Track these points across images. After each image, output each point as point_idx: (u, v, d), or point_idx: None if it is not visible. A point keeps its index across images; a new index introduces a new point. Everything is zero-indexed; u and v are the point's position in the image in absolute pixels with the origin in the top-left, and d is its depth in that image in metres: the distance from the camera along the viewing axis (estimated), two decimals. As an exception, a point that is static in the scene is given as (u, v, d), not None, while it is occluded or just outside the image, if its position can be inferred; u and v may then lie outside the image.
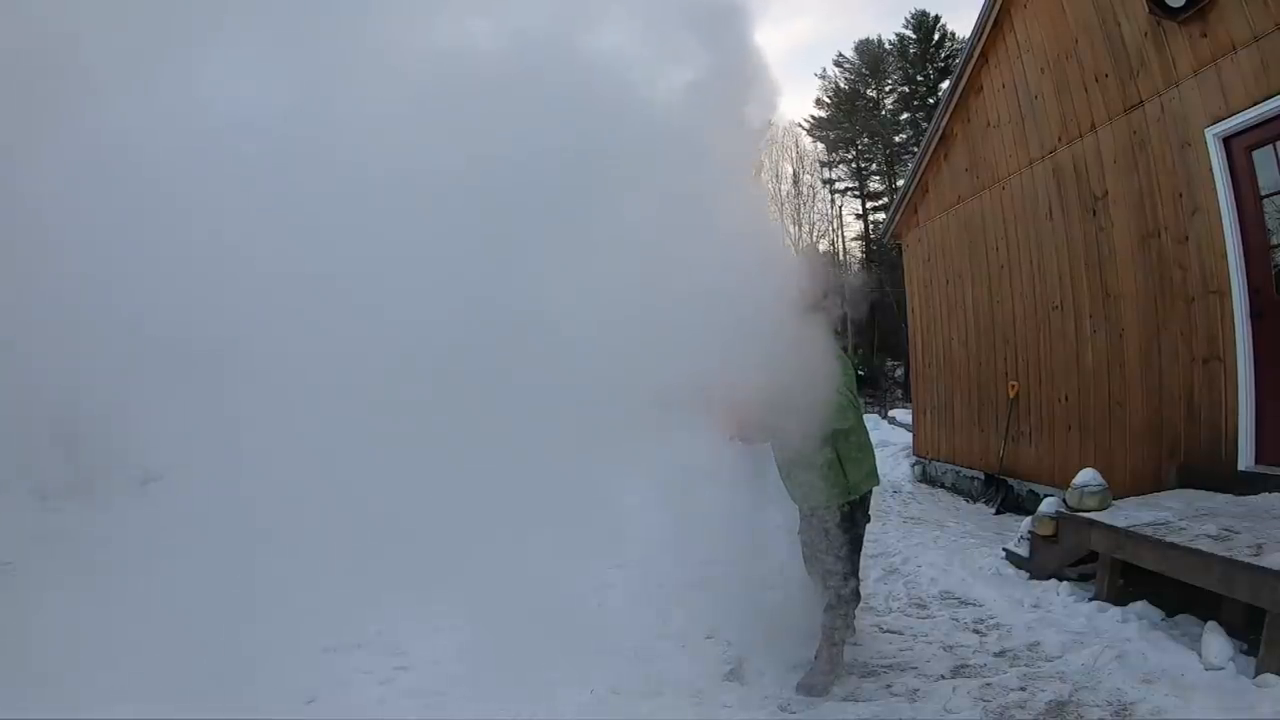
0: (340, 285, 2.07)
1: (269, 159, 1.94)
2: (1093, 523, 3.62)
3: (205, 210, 1.92)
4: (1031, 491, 5.93)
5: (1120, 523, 3.47)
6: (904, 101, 30.16)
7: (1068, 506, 3.89)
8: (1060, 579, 3.81)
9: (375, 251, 2.08)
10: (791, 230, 25.53)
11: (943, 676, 2.95)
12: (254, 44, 1.98)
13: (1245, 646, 2.75)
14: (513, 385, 2.27)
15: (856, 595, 3.06)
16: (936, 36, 29.28)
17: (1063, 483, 4.31)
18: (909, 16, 29.53)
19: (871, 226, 28.98)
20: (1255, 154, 4.05)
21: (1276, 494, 3.66)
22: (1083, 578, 3.77)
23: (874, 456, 3.11)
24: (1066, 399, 5.69)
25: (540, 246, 2.26)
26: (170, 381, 1.95)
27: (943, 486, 7.72)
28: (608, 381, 2.35)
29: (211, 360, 1.96)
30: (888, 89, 30.83)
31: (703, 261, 2.43)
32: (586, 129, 2.26)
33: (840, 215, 29.95)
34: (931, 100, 26.98)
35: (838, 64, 30.93)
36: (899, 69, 30.21)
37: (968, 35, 6.85)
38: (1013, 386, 6.40)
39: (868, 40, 30.69)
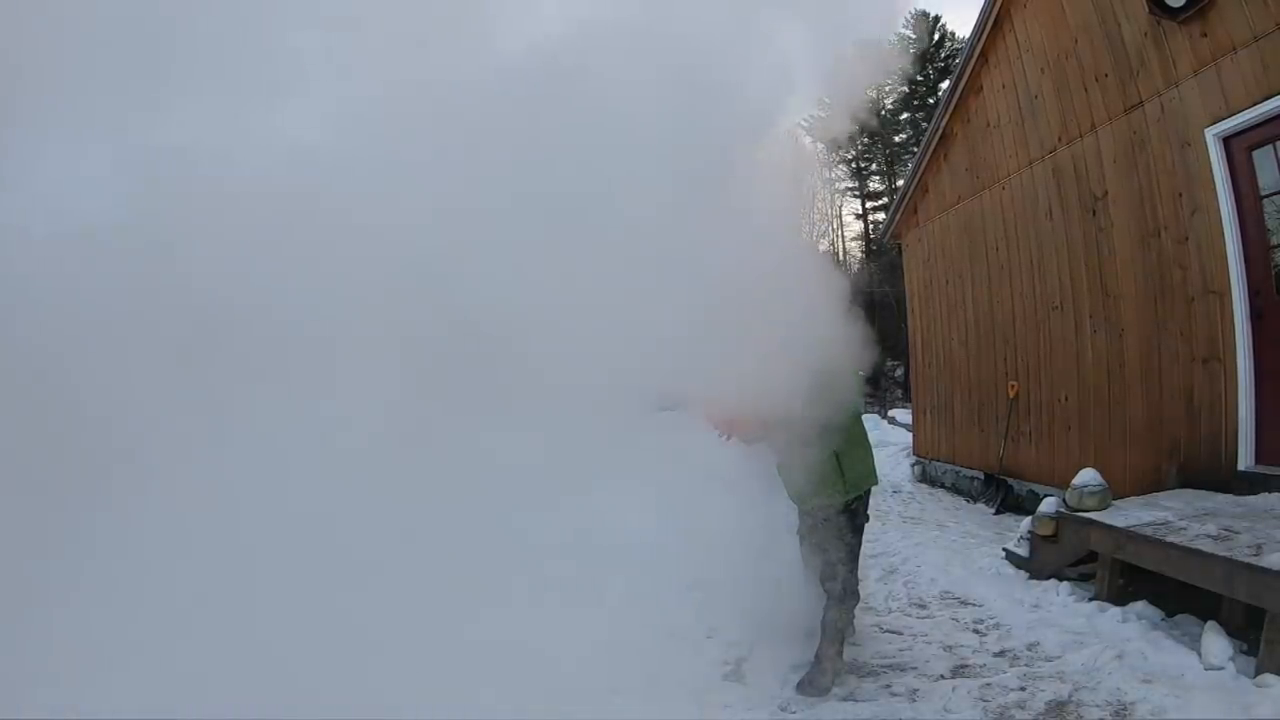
0: (341, 284, 2.07)
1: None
2: (1093, 523, 3.62)
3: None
4: (1031, 491, 5.92)
5: (1120, 523, 3.47)
6: (904, 101, 30.13)
7: (1068, 506, 3.89)
8: (1060, 579, 3.81)
9: (379, 253, 2.08)
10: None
11: (943, 676, 2.95)
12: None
13: (1245, 646, 2.75)
14: (513, 386, 2.27)
15: (856, 594, 3.06)
16: (936, 36, 29.25)
17: (1063, 483, 4.30)
18: (909, 17, 29.52)
19: (871, 226, 28.96)
20: (1255, 154, 4.04)
21: (1276, 494, 3.66)
22: (1083, 578, 3.77)
23: (872, 455, 3.11)
24: (1066, 399, 5.69)
25: (544, 245, 2.25)
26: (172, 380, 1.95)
27: (943, 486, 7.72)
28: (609, 380, 2.35)
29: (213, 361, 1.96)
30: (888, 89, 30.79)
31: (712, 257, 2.42)
32: (596, 124, 2.25)
33: (840, 215, 29.93)
34: (931, 100, 26.94)
35: (837, 63, 30.82)
36: (899, 69, 30.15)
37: (968, 35, 6.85)
38: (1013, 387, 6.40)
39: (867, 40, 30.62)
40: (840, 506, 2.95)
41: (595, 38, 2.31)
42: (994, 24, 6.32)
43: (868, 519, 3.15)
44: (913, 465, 8.49)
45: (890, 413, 14.22)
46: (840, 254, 28.39)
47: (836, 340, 2.70)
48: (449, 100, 2.17)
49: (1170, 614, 3.21)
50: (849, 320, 2.73)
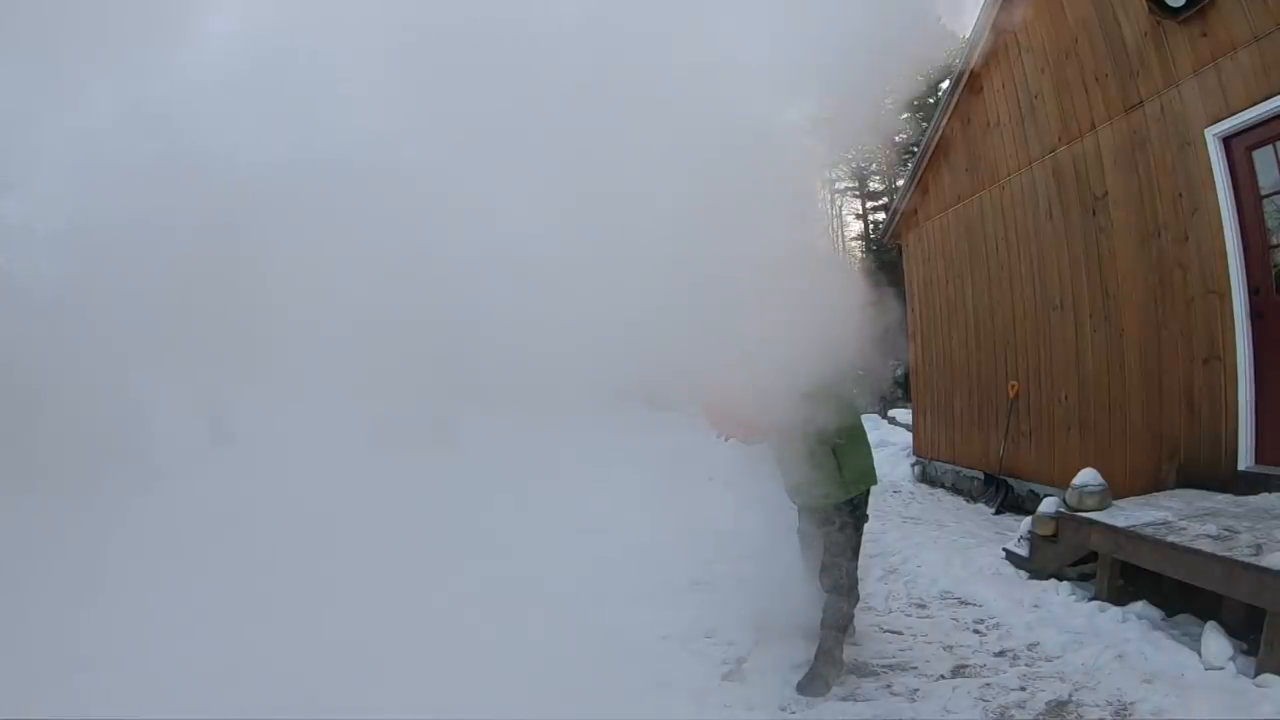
0: (339, 282, 2.07)
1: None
2: (1093, 523, 3.62)
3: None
4: (1031, 491, 5.92)
5: (1120, 523, 3.46)
6: (904, 101, 30.09)
7: (1068, 506, 3.89)
8: (1060, 579, 3.81)
9: (381, 251, 2.08)
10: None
11: (943, 676, 2.95)
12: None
13: (1245, 646, 2.75)
14: (511, 386, 2.27)
15: (856, 594, 3.06)
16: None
17: (1063, 483, 4.30)
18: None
19: (871, 226, 28.95)
20: (1255, 154, 4.04)
21: (1276, 494, 3.66)
22: (1083, 578, 3.77)
23: (871, 454, 3.11)
24: (1066, 399, 5.69)
25: (543, 241, 2.25)
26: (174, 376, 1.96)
27: (943, 486, 7.72)
28: (608, 379, 2.35)
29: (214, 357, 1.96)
30: (888, 89, 30.72)
31: (714, 254, 2.41)
32: (599, 114, 2.24)
33: (840, 215, 29.94)
34: (931, 100, 26.91)
35: (837, 64, 30.74)
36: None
37: (968, 35, 6.84)
38: (1013, 386, 6.40)
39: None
40: (840, 505, 2.95)
41: (607, 28, 2.29)
42: (994, 24, 6.31)
43: (867, 518, 3.15)
44: (913, 465, 8.49)
45: (890, 413, 14.19)
46: (840, 254, 28.37)
47: (839, 339, 2.69)
48: (444, 88, 2.17)
49: (1170, 614, 3.21)
50: (853, 319, 2.72)
